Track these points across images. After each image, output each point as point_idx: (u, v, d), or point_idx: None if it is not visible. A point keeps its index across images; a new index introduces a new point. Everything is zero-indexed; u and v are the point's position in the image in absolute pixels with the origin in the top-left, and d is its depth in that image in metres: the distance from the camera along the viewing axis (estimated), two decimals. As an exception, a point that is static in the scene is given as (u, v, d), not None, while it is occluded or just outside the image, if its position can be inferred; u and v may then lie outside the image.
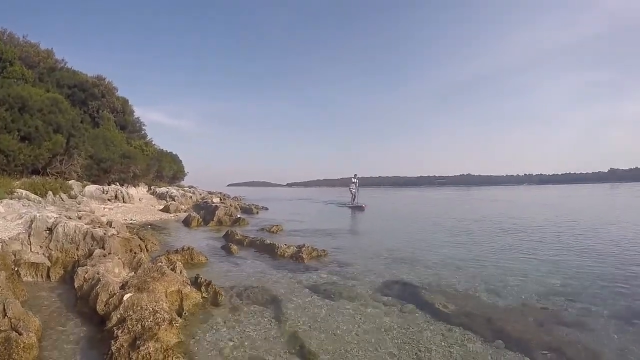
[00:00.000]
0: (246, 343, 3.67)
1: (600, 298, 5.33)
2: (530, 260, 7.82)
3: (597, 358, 3.60)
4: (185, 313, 4.37)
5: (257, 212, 20.94)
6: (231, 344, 3.65)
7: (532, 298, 5.34)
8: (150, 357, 3.06)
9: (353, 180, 26.93)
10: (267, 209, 23.99)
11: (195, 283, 5.09)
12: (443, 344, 3.83)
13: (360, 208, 23.38)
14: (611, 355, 3.64)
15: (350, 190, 26.70)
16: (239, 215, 15.76)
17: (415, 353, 3.59)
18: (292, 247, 8.15)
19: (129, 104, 33.34)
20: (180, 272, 5.29)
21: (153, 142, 37.41)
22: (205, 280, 5.09)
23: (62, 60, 27.70)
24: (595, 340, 3.98)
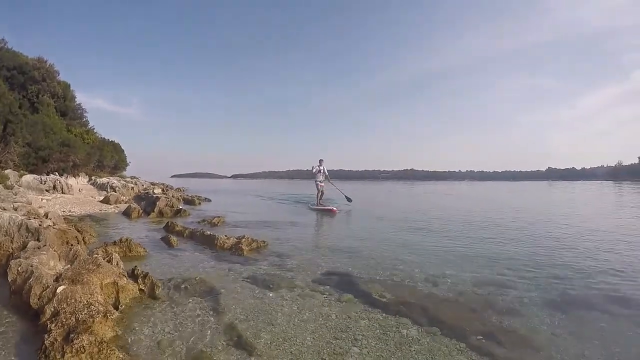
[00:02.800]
0: (183, 335, 3.68)
1: (533, 286, 5.64)
2: (469, 250, 8.20)
3: (529, 341, 3.82)
4: (121, 306, 4.31)
5: (200, 204, 20.67)
6: (168, 336, 3.65)
7: (468, 287, 5.58)
8: (85, 351, 3.02)
9: (319, 168, 18.35)
10: (209, 200, 23.62)
11: (132, 275, 5.00)
12: (379, 331, 3.96)
13: (329, 212, 16.12)
14: (542, 339, 3.88)
15: (317, 184, 18.25)
16: (180, 207, 15.50)
17: (352, 341, 3.70)
18: (232, 239, 8.14)
19: (71, 89, 32.12)
20: (117, 264, 5.20)
21: (95, 130, 36.26)
22: (142, 272, 5.02)
23: (2, 40, 26.40)
24: (527, 325, 4.22)
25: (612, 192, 40.83)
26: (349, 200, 19.28)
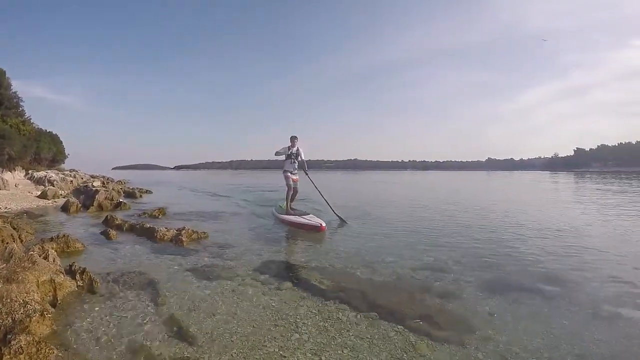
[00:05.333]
0: (123, 329, 3.67)
1: (470, 270, 5.93)
2: (408, 237, 8.51)
3: (465, 322, 4.02)
4: (59, 303, 4.26)
5: (141, 196, 20.23)
6: (108, 331, 3.63)
7: (406, 272, 5.79)
8: (23, 352, 2.99)
9: (289, 151, 11.36)
10: (151, 192, 23.16)
11: (70, 271, 4.92)
12: (318, 318, 4.08)
13: (311, 229, 9.34)
14: (479, 319, 4.09)
15: (286, 176, 11.35)
16: (121, 200, 15.16)
17: (292, 328, 3.80)
18: (172, 231, 8.13)
19: (6, 76, 30.53)
20: (54, 261, 5.10)
21: (32, 121, 34.62)
22: (80, 268, 4.95)
23: None
24: (464, 307, 4.44)
25: (547, 181, 43.16)
26: (343, 221, 10.64)
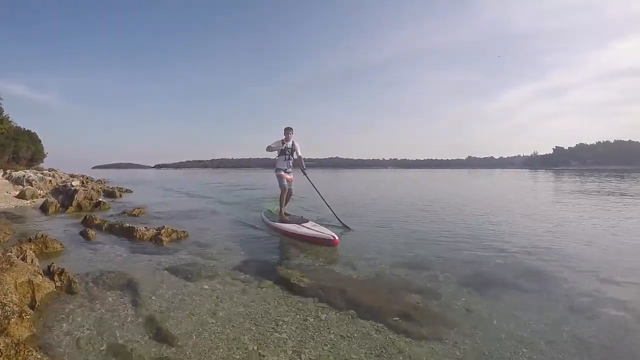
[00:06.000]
0: (102, 330, 3.66)
1: (449, 266, 6.01)
2: (388, 234, 8.66)
3: (444, 318, 4.07)
4: (37, 304, 4.22)
5: (121, 196, 20.00)
6: (87, 332, 3.61)
7: (385, 269, 5.86)
8: (2, 354, 2.95)
9: (282, 145, 9.56)
10: (131, 192, 22.96)
11: (48, 272, 4.89)
12: (298, 316, 4.11)
13: (319, 242, 7.51)
14: (457, 315, 4.17)
15: (279, 175, 9.65)
16: (100, 199, 14.94)
17: (272, 327, 3.82)
18: (151, 230, 8.09)
19: (-17, 73, 29.90)
20: (32, 262, 5.06)
21: (10, 119, 34.04)
22: (59, 268, 4.91)
23: None
24: (442, 303, 4.51)
25: (527, 178, 44.03)
26: (347, 228, 9.37)
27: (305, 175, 9.99)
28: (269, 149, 9.59)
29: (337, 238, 7.35)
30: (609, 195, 19.09)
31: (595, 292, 4.91)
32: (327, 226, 8.73)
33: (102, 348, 3.36)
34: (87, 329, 3.69)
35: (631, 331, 3.81)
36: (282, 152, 9.54)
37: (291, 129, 9.55)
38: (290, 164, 9.64)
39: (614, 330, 3.81)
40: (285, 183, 9.53)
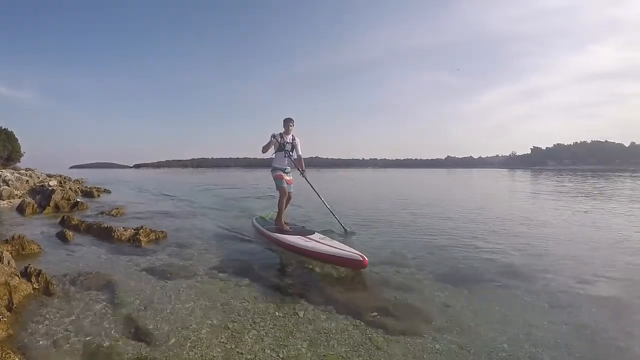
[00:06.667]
0: (80, 331, 3.65)
1: (427, 263, 6.12)
2: (366, 231, 8.79)
3: (422, 313, 4.15)
4: (15, 306, 4.18)
5: (99, 196, 19.80)
6: (65, 333, 3.61)
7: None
8: None
9: (280, 140, 7.89)
10: (109, 192, 22.68)
11: (25, 274, 4.85)
12: (277, 313, 4.15)
13: (351, 262, 5.61)
14: (435, 310, 4.24)
15: (277, 175, 7.94)
16: (78, 199, 14.84)
17: (250, 325, 3.85)
18: (129, 230, 8.03)
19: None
20: (9, 263, 4.99)
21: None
22: (36, 270, 4.89)
23: None
24: (420, 299, 4.58)
25: (505, 178, 44.47)
26: (351, 233, 8.46)
27: (305, 177, 8.36)
28: (266, 149, 8.01)
29: (366, 259, 5.50)
30: (585, 196, 19.38)
31: (574, 287, 5.02)
32: (330, 235, 7.71)
33: (79, 348, 3.36)
34: (65, 330, 3.69)
35: (610, 324, 3.92)
36: (280, 148, 7.95)
37: (292, 120, 8.05)
38: (290, 162, 8.09)
39: (593, 324, 3.90)
40: (285, 185, 7.94)
